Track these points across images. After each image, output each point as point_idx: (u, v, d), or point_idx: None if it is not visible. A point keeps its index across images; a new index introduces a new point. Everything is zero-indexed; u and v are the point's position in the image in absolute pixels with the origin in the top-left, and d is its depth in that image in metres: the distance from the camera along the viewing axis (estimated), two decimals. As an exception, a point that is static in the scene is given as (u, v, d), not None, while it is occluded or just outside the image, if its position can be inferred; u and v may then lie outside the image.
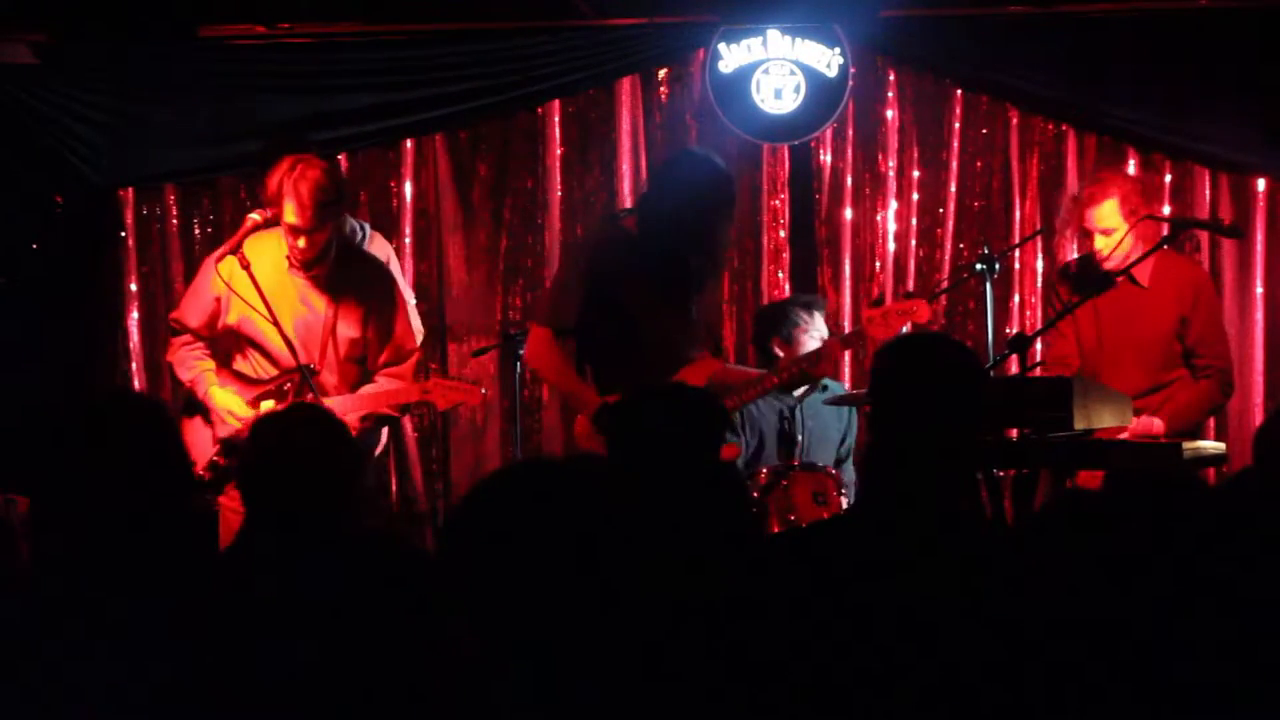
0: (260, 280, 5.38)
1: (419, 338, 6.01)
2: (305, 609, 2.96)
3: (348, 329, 5.54)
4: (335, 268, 5.50)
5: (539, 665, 2.04)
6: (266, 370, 5.50)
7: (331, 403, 5.33)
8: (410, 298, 6.28)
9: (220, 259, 5.47)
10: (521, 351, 6.13)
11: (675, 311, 5.36)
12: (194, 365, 5.59)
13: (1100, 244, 5.69)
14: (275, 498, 3.39)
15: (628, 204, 7.13)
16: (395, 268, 6.13)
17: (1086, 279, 5.80)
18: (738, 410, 5.97)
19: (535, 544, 2.07)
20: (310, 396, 5.32)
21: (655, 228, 5.27)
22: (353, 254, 5.71)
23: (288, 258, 5.46)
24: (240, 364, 5.56)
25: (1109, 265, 5.67)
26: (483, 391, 5.72)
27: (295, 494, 3.37)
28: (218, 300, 5.50)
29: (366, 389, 5.56)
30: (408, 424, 7.21)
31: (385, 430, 5.99)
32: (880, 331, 5.50)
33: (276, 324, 5.38)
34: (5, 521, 5.02)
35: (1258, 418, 6.87)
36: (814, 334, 6.18)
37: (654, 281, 5.28)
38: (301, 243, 5.38)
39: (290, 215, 5.34)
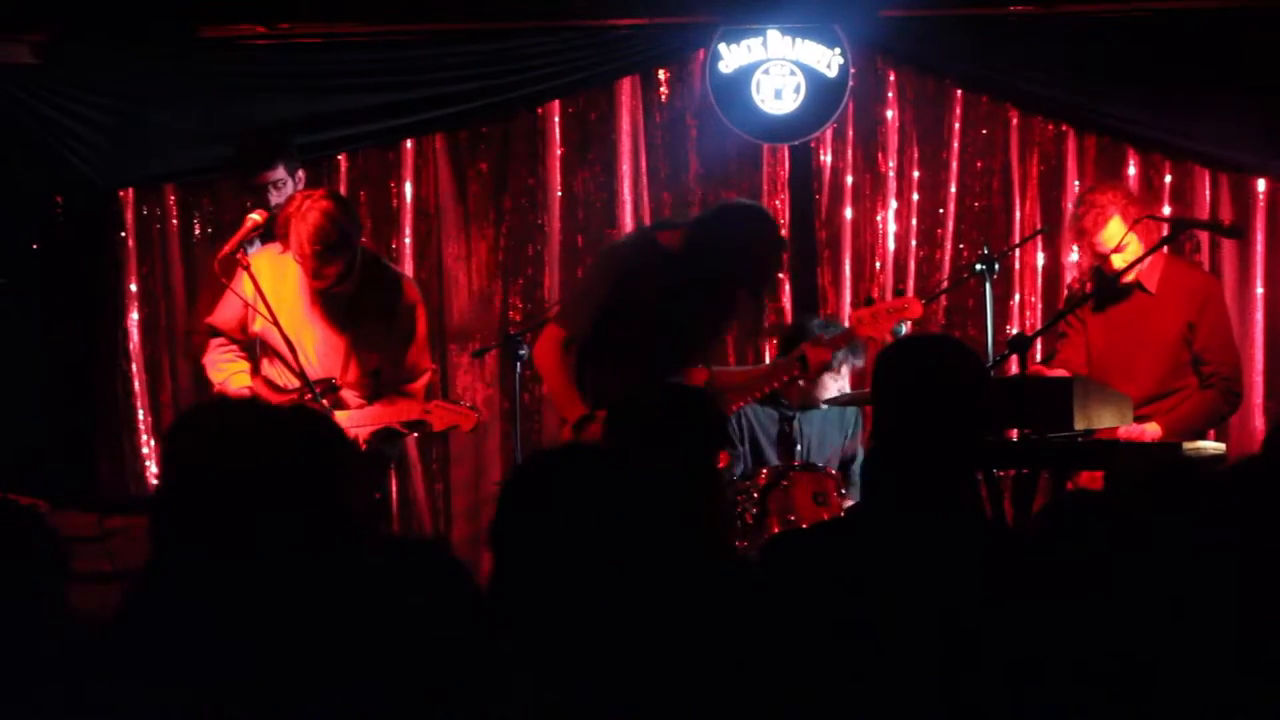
0: (285, 296, 5.50)
1: None
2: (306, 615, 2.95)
3: (366, 347, 5.62)
4: (357, 289, 5.58)
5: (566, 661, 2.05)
6: (290, 380, 5.55)
7: (342, 417, 5.39)
8: None
9: (223, 257, 5.54)
10: (522, 352, 6.16)
11: (690, 340, 5.40)
12: (224, 367, 5.69)
13: (1118, 262, 5.70)
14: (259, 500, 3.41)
15: (628, 204, 7.14)
16: None
17: (1099, 288, 5.83)
18: (735, 414, 5.97)
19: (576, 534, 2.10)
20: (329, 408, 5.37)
21: (697, 261, 5.31)
22: (378, 273, 5.75)
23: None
24: (269, 370, 5.65)
25: (1117, 271, 5.70)
26: (480, 418, 5.75)
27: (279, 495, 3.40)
28: (246, 304, 5.58)
29: (375, 406, 5.62)
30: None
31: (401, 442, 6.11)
32: (870, 331, 5.50)
33: (277, 324, 5.43)
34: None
35: (1257, 418, 6.87)
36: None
37: (679, 308, 5.32)
38: (308, 280, 5.50)
39: (294, 252, 5.44)
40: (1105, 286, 5.80)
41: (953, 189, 7.15)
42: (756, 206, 5.77)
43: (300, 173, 6.30)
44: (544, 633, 2.16)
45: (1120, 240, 5.65)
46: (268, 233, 6.11)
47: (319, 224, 5.35)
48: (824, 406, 6.18)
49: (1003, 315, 7.04)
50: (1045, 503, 5.31)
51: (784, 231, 7.17)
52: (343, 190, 7.16)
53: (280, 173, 6.14)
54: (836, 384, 6.15)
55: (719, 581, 2.93)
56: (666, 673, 2.37)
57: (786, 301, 7.20)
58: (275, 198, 6.14)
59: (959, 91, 7.15)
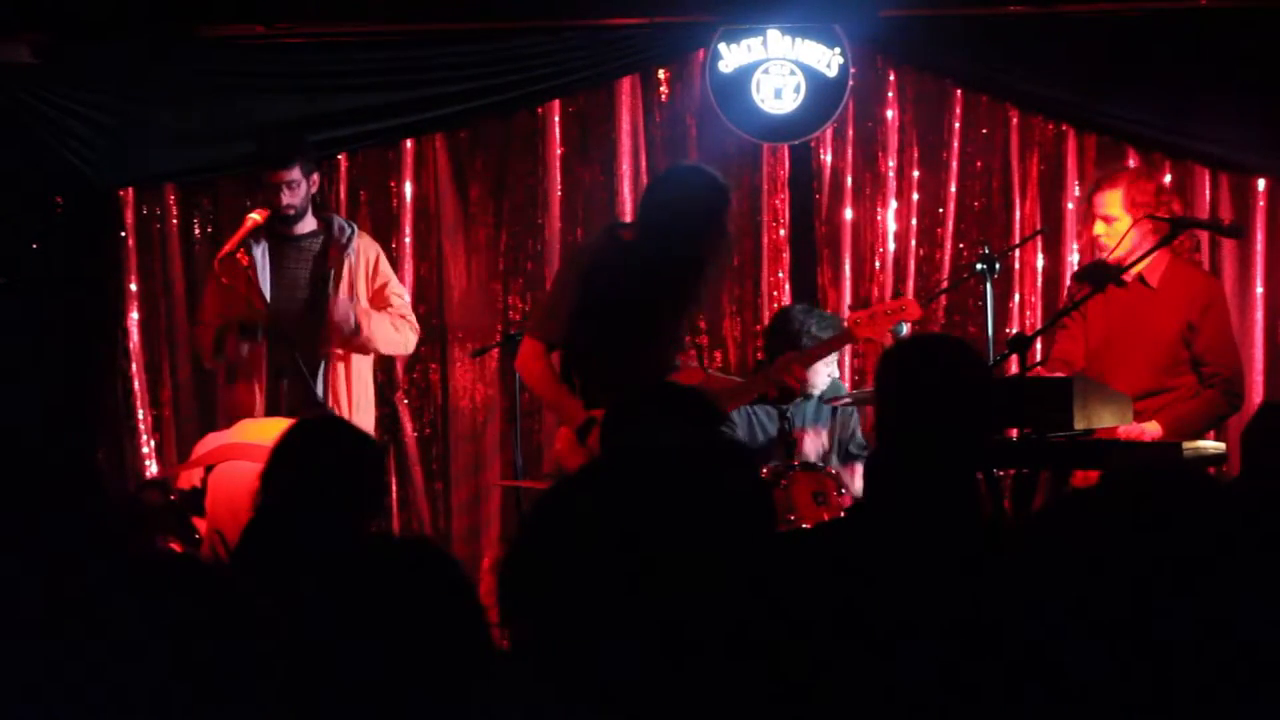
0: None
1: (400, 346, 6.42)
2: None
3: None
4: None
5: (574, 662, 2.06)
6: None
7: None
8: (403, 294, 6.54)
9: (223, 257, 5.58)
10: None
11: (666, 325, 5.38)
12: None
13: (1099, 229, 5.75)
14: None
15: (628, 204, 7.14)
16: (385, 265, 6.42)
17: (1097, 277, 5.84)
18: (741, 415, 5.97)
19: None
20: None
21: (651, 241, 5.30)
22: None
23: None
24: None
25: (1111, 258, 5.72)
26: None
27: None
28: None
29: None
30: (407, 424, 7.23)
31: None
32: (868, 332, 5.49)
33: (269, 317, 5.55)
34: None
35: (1257, 418, 6.87)
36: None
37: (646, 294, 5.29)
38: None
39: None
40: (1101, 270, 5.82)
41: (953, 189, 7.15)
42: (692, 165, 5.85)
43: (315, 175, 6.31)
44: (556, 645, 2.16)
45: (1112, 213, 5.69)
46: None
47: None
48: (815, 394, 6.17)
49: (1003, 315, 7.05)
50: (1042, 505, 5.32)
51: (786, 224, 7.20)
52: (342, 191, 7.19)
53: (296, 174, 6.16)
54: (827, 369, 6.15)
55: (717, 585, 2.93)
56: (664, 670, 2.36)
57: (786, 300, 7.20)
58: (287, 197, 6.14)
59: (959, 91, 7.15)
